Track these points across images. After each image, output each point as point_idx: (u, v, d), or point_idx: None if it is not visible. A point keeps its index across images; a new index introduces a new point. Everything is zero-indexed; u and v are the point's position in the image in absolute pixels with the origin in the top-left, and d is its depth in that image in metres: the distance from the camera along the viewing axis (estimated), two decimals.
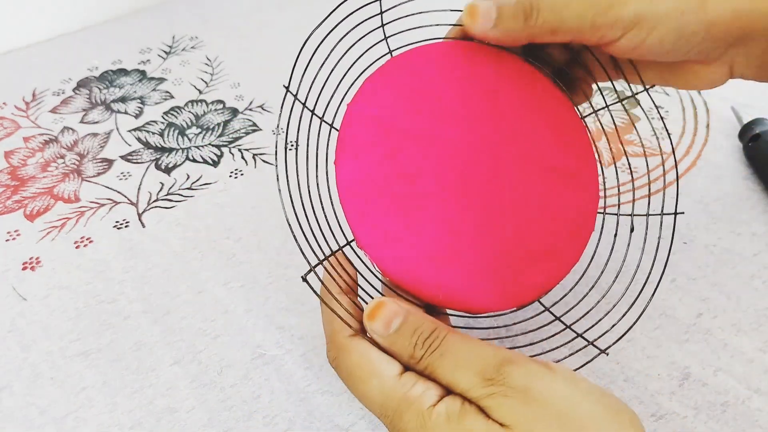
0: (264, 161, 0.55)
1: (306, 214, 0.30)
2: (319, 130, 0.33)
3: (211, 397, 0.37)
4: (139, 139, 0.59)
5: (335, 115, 0.33)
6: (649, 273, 0.33)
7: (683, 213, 0.34)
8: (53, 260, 0.47)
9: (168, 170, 0.55)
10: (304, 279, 0.28)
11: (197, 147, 0.57)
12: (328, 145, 0.32)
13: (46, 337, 0.41)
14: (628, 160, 0.35)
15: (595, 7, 0.29)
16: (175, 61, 0.71)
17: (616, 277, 0.34)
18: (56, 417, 0.37)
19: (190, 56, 0.71)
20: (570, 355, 0.32)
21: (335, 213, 0.31)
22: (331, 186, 0.31)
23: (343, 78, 0.33)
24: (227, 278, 0.45)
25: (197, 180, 0.54)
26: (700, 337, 0.38)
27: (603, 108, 0.36)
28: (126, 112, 0.63)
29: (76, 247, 0.48)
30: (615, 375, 0.37)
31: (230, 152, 0.56)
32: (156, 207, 0.51)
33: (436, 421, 0.24)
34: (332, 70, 0.33)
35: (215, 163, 0.55)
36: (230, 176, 0.54)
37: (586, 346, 0.31)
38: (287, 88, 0.31)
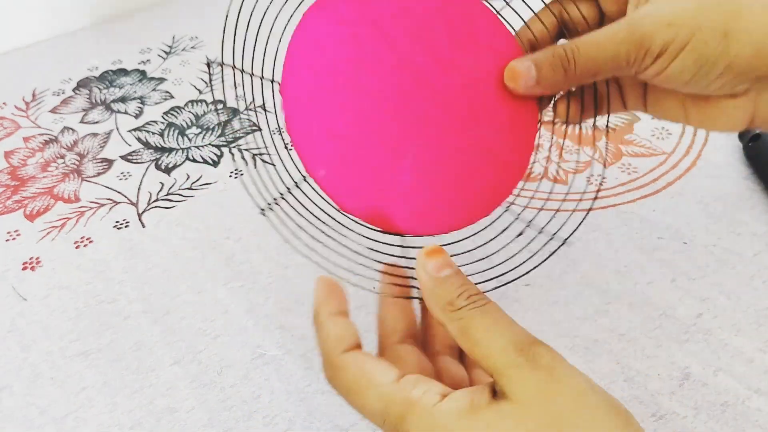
0: (264, 161, 0.55)
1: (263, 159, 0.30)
2: (262, 90, 0.33)
3: (211, 397, 0.37)
4: (139, 139, 0.59)
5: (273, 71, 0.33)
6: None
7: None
8: (53, 260, 0.47)
9: (168, 170, 0.55)
10: (263, 213, 0.28)
11: (197, 147, 0.57)
12: (274, 101, 0.33)
13: (46, 337, 0.41)
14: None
15: (628, 42, 0.29)
16: (175, 61, 0.71)
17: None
18: (56, 417, 0.37)
19: (190, 56, 0.71)
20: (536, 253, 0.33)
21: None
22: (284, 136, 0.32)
23: (270, 33, 0.34)
24: (227, 278, 0.45)
25: (197, 180, 0.54)
26: (700, 337, 0.38)
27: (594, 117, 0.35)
28: (126, 112, 0.63)
29: (76, 247, 0.48)
30: (615, 375, 0.37)
31: (230, 152, 0.56)
32: (156, 207, 0.51)
33: (447, 418, 0.24)
34: (258, 30, 0.33)
35: (215, 164, 0.55)
36: (230, 176, 0.54)
37: (549, 241, 0.32)
38: (221, 64, 0.31)
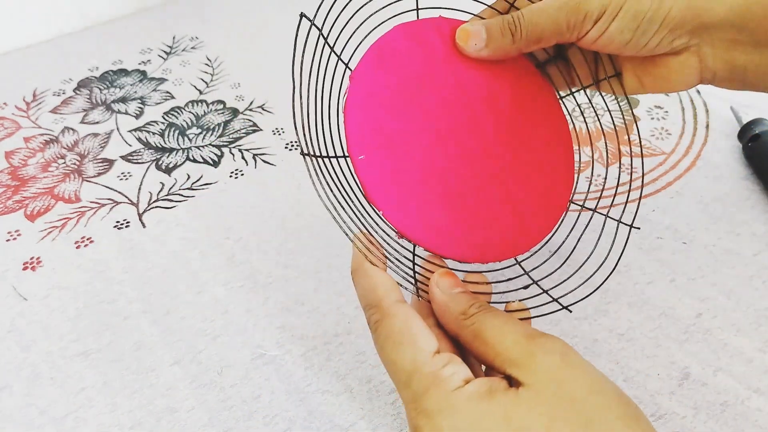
0: (264, 161, 0.55)
1: (317, 113, 0.31)
2: (335, 68, 0.33)
3: (211, 397, 0.37)
4: (139, 140, 0.59)
5: (351, 58, 0.33)
6: (607, 255, 0.35)
7: (639, 228, 0.37)
8: (53, 260, 0.47)
9: (168, 170, 0.55)
10: (306, 155, 0.29)
11: (198, 147, 0.58)
12: (342, 83, 0.33)
13: (46, 337, 0.42)
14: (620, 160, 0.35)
15: (566, 7, 0.32)
16: (176, 61, 0.71)
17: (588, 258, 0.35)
18: (56, 417, 0.37)
19: (191, 56, 0.71)
20: (535, 307, 0.33)
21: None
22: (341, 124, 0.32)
23: (365, 21, 0.34)
24: (227, 278, 0.45)
25: (198, 180, 0.54)
26: (699, 337, 0.38)
27: (579, 89, 0.38)
28: (126, 113, 0.63)
29: (77, 247, 0.48)
30: (615, 375, 0.37)
31: (230, 152, 0.57)
32: (156, 207, 0.51)
33: (466, 403, 0.25)
34: (356, 12, 0.33)
35: (215, 164, 0.55)
36: (230, 176, 0.54)
37: (550, 302, 0.33)
38: (312, 21, 0.31)
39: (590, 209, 0.36)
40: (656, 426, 0.34)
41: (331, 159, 0.31)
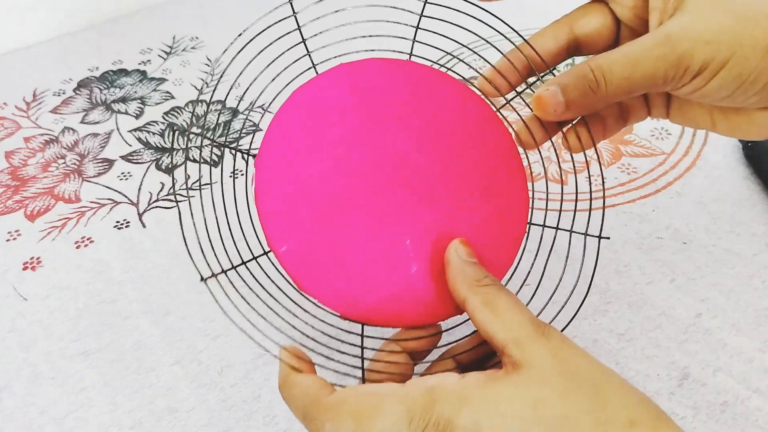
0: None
1: (214, 224, 0.29)
2: (234, 162, 0.32)
3: (211, 397, 0.37)
4: (139, 140, 0.59)
5: (250, 145, 0.32)
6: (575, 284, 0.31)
7: (608, 238, 0.34)
8: (54, 260, 0.47)
9: (168, 170, 0.55)
10: (204, 280, 0.28)
11: (198, 147, 0.58)
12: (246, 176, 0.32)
13: (46, 337, 0.42)
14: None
15: (665, 62, 0.28)
16: (176, 61, 0.71)
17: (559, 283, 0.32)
18: (56, 417, 0.37)
19: (191, 56, 0.71)
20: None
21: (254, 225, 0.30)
22: (250, 202, 0.31)
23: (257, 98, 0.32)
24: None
25: (198, 180, 0.54)
26: (699, 337, 0.38)
27: (516, 96, 0.34)
28: (126, 113, 0.63)
29: (77, 247, 0.48)
30: None
31: (230, 152, 0.57)
32: (156, 207, 0.51)
33: (474, 389, 0.24)
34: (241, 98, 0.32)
35: (215, 164, 0.55)
36: (230, 176, 0.54)
37: None
38: (195, 132, 0.30)
39: (552, 227, 0.32)
40: None
41: (246, 264, 0.29)
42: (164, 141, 0.59)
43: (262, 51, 0.32)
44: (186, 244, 0.28)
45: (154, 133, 0.60)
